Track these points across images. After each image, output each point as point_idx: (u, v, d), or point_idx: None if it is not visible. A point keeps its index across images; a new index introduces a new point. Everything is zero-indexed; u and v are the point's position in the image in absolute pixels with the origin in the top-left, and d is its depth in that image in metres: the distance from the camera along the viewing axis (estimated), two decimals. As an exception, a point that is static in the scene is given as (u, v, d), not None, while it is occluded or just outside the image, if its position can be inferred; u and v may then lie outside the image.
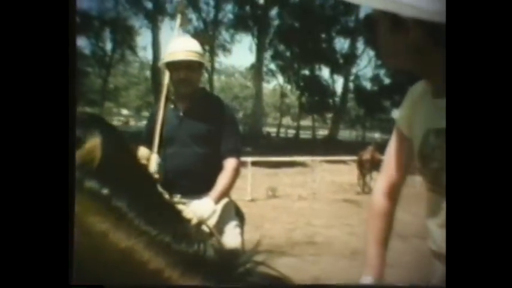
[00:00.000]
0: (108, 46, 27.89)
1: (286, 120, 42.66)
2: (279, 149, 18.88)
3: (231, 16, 30.17)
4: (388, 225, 1.36)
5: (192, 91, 2.37)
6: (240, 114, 46.42)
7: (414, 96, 1.22)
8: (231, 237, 2.27)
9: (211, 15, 29.37)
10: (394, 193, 1.36)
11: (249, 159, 10.96)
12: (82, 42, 27.52)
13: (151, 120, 2.42)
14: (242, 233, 2.41)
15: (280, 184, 11.60)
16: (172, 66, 2.34)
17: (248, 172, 10.40)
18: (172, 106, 2.41)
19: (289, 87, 35.28)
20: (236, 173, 2.30)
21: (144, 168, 1.14)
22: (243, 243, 2.52)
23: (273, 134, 33.62)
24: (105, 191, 0.84)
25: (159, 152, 2.31)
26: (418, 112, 1.19)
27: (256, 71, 30.91)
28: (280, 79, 34.80)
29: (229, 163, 2.30)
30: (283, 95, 35.92)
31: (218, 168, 2.28)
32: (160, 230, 0.85)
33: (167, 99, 2.40)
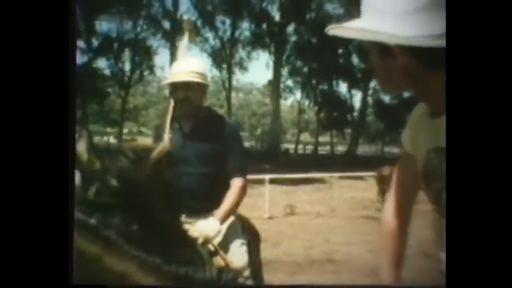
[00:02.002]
0: (127, 67, 28.44)
1: (305, 137, 42.68)
2: (297, 166, 18.82)
3: (247, 34, 30.55)
4: (400, 246, 1.35)
5: (191, 111, 2.38)
6: (258, 131, 46.67)
7: (416, 116, 1.23)
8: (237, 256, 2.24)
9: (228, 33, 29.76)
10: (403, 213, 1.35)
11: (266, 176, 10.97)
12: (102, 64, 28.20)
13: (157, 139, 2.42)
14: (252, 251, 2.38)
15: (299, 201, 11.52)
16: (174, 86, 2.37)
17: (266, 190, 10.39)
18: (177, 126, 2.42)
19: (307, 103, 35.36)
20: (242, 192, 2.31)
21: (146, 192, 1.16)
22: (260, 261, 2.52)
23: (291, 151, 33.59)
24: (92, 221, 0.89)
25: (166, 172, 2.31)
26: (420, 132, 1.20)
27: (274, 88, 31.07)
28: (298, 95, 34.96)
29: (236, 182, 2.31)
30: (301, 111, 36.00)
31: (223, 188, 2.28)
32: (150, 254, 0.87)
33: (173, 119, 2.41)
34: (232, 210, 2.27)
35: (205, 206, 2.23)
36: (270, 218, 9.76)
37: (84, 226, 0.88)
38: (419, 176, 1.18)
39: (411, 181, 1.29)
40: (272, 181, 11.17)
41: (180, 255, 0.92)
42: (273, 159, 21.48)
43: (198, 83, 2.35)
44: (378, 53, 1.04)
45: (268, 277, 5.32)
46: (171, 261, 0.89)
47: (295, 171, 14.61)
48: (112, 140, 29.05)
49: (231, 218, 2.30)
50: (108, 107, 34.28)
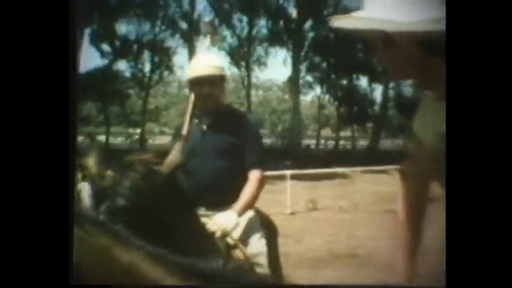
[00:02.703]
0: (147, 68, 28.61)
1: (326, 132, 42.33)
2: (319, 161, 18.71)
3: (265, 31, 30.42)
4: (415, 237, 1.35)
5: (215, 106, 2.40)
6: (279, 128, 46.46)
7: (425, 102, 1.23)
8: (256, 249, 2.26)
9: (245, 31, 29.69)
10: (417, 203, 1.34)
11: (288, 172, 10.96)
12: (122, 66, 28.48)
13: (177, 135, 2.46)
14: (270, 245, 2.38)
15: (321, 196, 11.45)
16: (196, 82, 2.37)
17: (287, 185, 10.38)
18: (197, 121, 2.44)
19: (327, 98, 35.09)
20: (260, 185, 2.32)
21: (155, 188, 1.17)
22: (278, 255, 2.53)
23: (313, 146, 33.39)
24: (101, 217, 0.89)
25: (183, 166, 2.34)
26: (428, 117, 1.20)
27: (293, 84, 30.91)
28: (318, 90, 34.70)
29: (253, 175, 2.32)
30: (321, 106, 35.75)
31: (242, 181, 2.30)
32: (156, 245, 0.90)
33: (193, 114, 2.43)
34: (251, 203, 2.28)
35: (224, 200, 2.24)
36: (292, 213, 9.76)
37: (92, 221, 0.90)
38: (430, 161, 1.18)
39: (422, 169, 1.28)
40: (293, 177, 11.14)
41: (188, 246, 0.93)
42: (294, 155, 21.40)
43: (220, 78, 2.38)
44: (380, 43, 1.05)
45: (291, 273, 5.32)
46: (177, 252, 0.90)
47: (317, 166, 14.53)
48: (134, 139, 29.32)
49: (250, 212, 2.31)
50: (129, 109, 34.60)
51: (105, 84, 24.48)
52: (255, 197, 2.30)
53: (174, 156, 1.99)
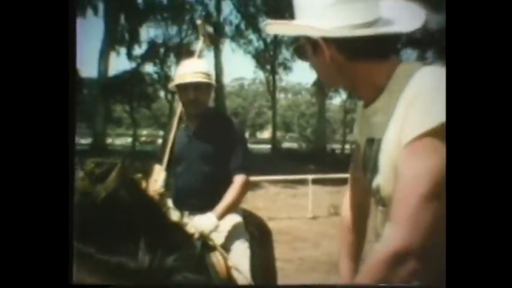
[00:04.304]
0: (173, 71, 28.86)
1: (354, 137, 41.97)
2: (343, 166, 18.51)
3: (291, 35, 30.29)
4: (359, 239, 1.36)
5: (200, 111, 2.41)
6: (308, 132, 46.30)
7: (358, 109, 1.25)
8: (239, 253, 2.25)
9: (271, 34, 29.60)
10: (360, 206, 1.33)
11: (309, 176, 10.89)
12: (149, 69, 28.89)
13: (165, 139, 2.48)
14: (258, 248, 2.38)
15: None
16: (182, 87, 2.38)
17: (309, 190, 10.32)
18: (184, 126, 2.47)
19: (354, 102, 34.77)
20: (243, 189, 2.32)
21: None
22: (270, 258, 2.53)
23: (338, 151, 33.12)
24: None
25: (170, 170, 2.36)
26: (358, 123, 1.23)
27: (319, 88, 30.76)
28: (344, 95, 34.45)
29: (237, 180, 2.32)
30: (347, 110, 35.50)
31: (226, 187, 2.30)
32: (85, 244, 0.87)
33: (180, 119, 2.45)
34: (232, 207, 2.28)
35: (208, 204, 2.24)
36: (314, 218, 9.70)
37: None
38: (363, 167, 1.18)
39: (360, 176, 1.26)
40: (316, 181, 11.07)
41: (121, 246, 0.91)
42: (319, 159, 21.28)
43: (206, 84, 2.39)
44: (310, 48, 1.07)
45: (303, 276, 5.28)
46: (105, 251, 0.88)
47: (341, 171, 14.36)
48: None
49: (237, 218, 2.33)
50: (160, 111, 35.11)
51: (133, 86, 24.87)
52: (236, 201, 2.29)
53: (157, 184, 2.07)
